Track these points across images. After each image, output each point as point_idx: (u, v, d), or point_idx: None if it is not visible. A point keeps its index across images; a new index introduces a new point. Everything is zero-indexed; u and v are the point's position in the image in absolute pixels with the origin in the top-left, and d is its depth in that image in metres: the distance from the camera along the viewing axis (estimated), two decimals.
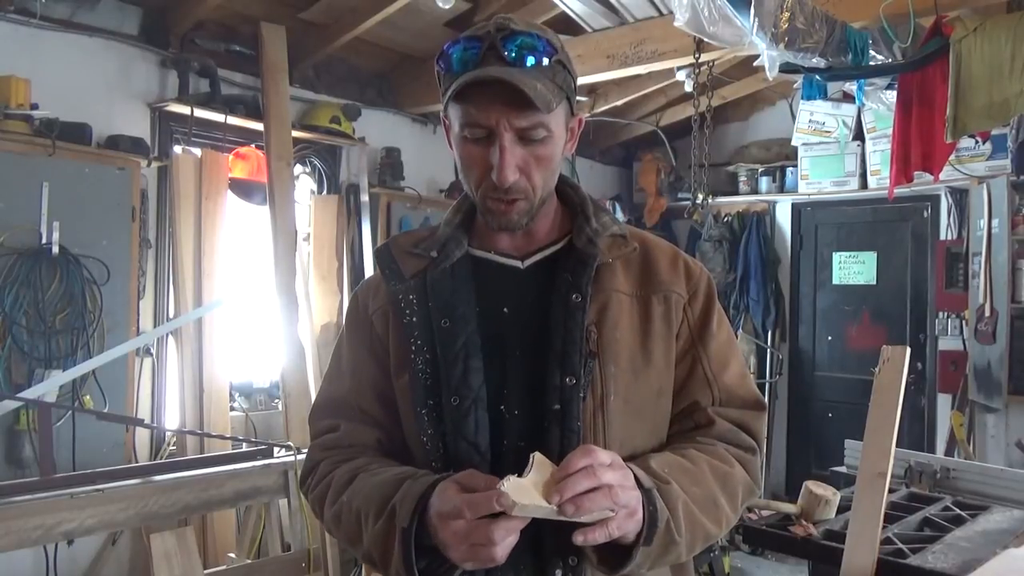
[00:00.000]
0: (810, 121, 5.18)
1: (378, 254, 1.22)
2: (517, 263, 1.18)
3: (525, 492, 0.91)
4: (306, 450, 1.28)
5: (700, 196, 4.17)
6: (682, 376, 1.17)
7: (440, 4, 3.54)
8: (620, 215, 5.82)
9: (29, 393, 2.94)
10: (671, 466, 1.06)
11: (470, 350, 1.10)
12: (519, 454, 1.02)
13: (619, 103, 5.19)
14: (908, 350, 1.88)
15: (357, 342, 1.22)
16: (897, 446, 1.91)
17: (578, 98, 1.13)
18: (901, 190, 3.82)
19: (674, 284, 1.17)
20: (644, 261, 1.18)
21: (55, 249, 3.26)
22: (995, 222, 4.20)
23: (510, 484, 0.91)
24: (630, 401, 1.11)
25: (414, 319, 1.13)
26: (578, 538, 0.93)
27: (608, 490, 0.92)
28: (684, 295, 1.18)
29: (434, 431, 1.09)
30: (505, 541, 0.92)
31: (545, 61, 1.05)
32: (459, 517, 0.92)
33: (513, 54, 1.03)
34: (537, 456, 0.96)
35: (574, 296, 1.10)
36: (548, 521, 0.93)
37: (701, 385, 1.17)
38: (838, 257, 5.54)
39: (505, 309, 1.14)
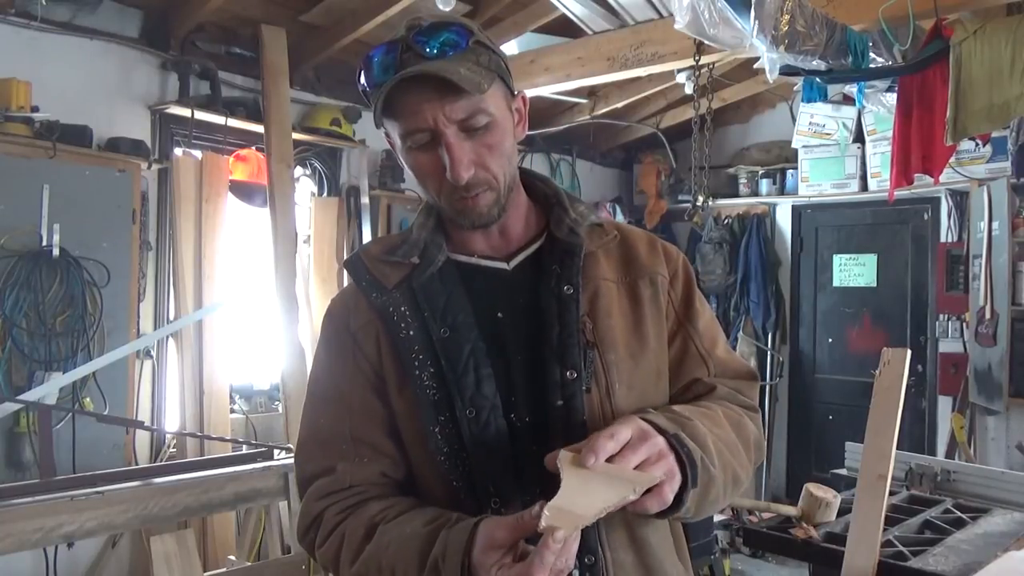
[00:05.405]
0: (810, 123, 5.19)
1: (350, 266, 1.15)
2: (503, 265, 1.15)
3: (566, 512, 0.88)
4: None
5: (700, 198, 4.17)
6: (676, 356, 1.18)
7: (440, 7, 3.54)
8: (620, 217, 5.82)
9: (29, 395, 2.95)
10: (689, 411, 1.07)
11: (478, 358, 1.06)
12: (534, 459, 0.99)
13: (619, 105, 5.18)
14: (908, 352, 1.88)
15: (340, 364, 1.13)
16: (897, 448, 1.91)
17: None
18: (901, 192, 3.82)
19: (657, 266, 1.18)
20: (623, 248, 1.18)
21: (55, 251, 3.26)
22: (995, 224, 4.20)
23: (551, 511, 0.87)
24: (634, 387, 1.10)
25: (410, 332, 1.07)
26: (633, 509, 0.92)
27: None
28: (667, 276, 1.18)
29: (450, 448, 1.04)
30: (571, 555, 0.88)
31: (463, 45, 1.03)
32: None
33: (430, 48, 1.01)
34: (562, 456, 0.92)
35: (566, 288, 1.09)
36: None
37: (696, 362, 1.18)
38: (838, 259, 5.53)
39: (499, 313, 1.11)
